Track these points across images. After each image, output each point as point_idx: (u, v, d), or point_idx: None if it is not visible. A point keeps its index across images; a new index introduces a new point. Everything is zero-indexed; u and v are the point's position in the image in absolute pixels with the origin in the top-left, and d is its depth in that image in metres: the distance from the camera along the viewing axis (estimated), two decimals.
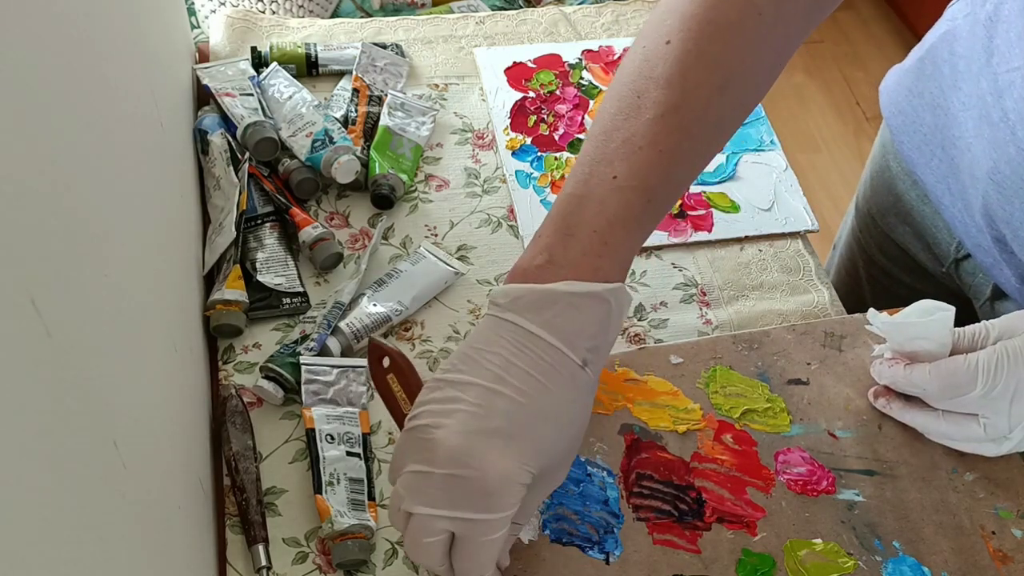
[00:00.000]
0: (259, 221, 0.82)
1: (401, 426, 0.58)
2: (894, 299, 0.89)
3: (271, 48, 0.94)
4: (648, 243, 0.86)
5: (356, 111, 0.90)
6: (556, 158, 0.92)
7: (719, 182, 0.92)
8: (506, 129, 0.94)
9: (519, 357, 0.54)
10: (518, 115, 0.95)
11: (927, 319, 0.68)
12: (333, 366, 0.73)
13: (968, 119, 0.79)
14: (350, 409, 0.71)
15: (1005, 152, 0.74)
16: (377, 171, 0.85)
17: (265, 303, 0.77)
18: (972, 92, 0.78)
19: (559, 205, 0.59)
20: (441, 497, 0.52)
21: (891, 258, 0.98)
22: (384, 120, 0.90)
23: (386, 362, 0.62)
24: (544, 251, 0.57)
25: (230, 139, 0.85)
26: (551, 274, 0.56)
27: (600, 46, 1.02)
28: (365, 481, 0.68)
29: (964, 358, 0.66)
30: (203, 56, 0.98)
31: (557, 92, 0.97)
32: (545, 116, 0.95)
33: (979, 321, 0.69)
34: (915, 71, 0.87)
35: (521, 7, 1.19)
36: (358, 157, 0.85)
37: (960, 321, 0.69)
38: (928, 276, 0.94)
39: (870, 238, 1.00)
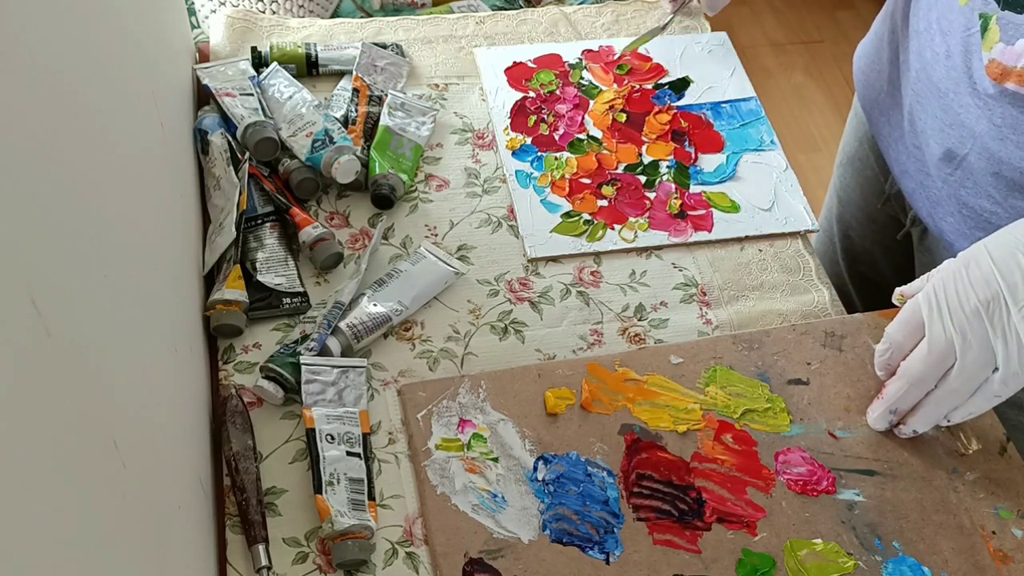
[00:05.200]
0: (259, 221, 0.82)
1: None
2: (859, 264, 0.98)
3: (271, 48, 0.94)
4: (648, 243, 0.86)
5: (356, 111, 0.90)
6: (556, 158, 0.92)
7: (719, 182, 0.92)
8: (506, 129, 0.94)
9: None
10: (518, 115, 0.95)
11: None
12: (333, 366, 0.73)
13: (911, 39, 0.84)
14: (350, 409, 0.71)
15: (921, 57, 0.79)
16: (377, 171, 0.85)
17: (265, 303, 0.77)
18: (916, 12, 0.83)
19: None
20: None
21: (850, 206, 1.04)
22: (384, 120, 0.90)
23: None
24: None
25: (230, 139, 0.85)
26: None
27: (600, 46, 1.02)
28: (365, 481, 0.68)
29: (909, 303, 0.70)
30: (203, 56, 0.98)
31: (557, 92, 0.97)
32: (545, 116, 0.95)
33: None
34: (880, 18, 0.94)
35: (521, 7, 1.19)
36: (358, 157, 0.84)
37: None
38: (883, 238, 1.00)
39: (838, 199, 1.07)
